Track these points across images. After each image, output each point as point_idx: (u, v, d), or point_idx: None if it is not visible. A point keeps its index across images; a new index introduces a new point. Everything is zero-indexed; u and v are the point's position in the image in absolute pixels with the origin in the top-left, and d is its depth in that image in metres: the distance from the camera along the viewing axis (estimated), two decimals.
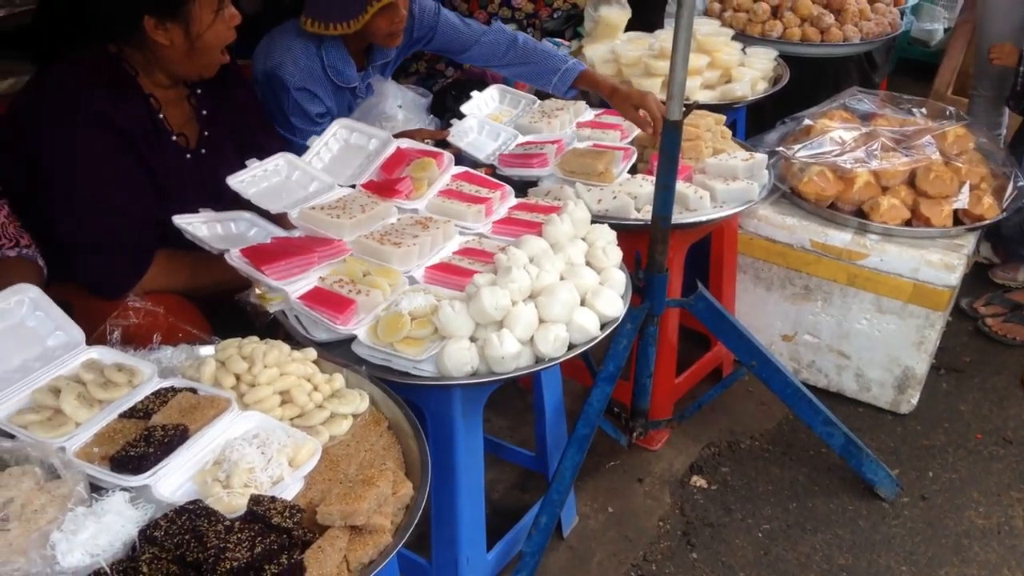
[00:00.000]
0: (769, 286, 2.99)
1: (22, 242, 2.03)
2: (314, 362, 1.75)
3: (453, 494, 1.95)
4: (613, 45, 3.34)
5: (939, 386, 3.13)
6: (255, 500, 1.39)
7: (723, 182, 2.48)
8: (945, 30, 5.78)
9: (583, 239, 2.06)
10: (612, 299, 1.91)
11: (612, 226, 2.11)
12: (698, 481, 2.69)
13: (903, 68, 5.80)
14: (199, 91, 2.26)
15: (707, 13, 3.94)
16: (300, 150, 2.32)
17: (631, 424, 2.46)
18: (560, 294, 1.82)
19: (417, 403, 1.79)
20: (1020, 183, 2.91)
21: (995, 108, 3.97)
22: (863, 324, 2.88)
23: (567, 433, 2.33)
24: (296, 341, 1.84)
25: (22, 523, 1.36)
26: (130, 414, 1.58)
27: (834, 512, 2.59)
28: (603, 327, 1.88)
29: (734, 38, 3.47)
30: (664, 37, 3.29)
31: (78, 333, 1.73)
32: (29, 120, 2.06)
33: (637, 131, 2.66)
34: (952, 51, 5.05)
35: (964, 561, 2.44)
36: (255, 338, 1.77)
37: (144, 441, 1.49)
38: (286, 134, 2.55)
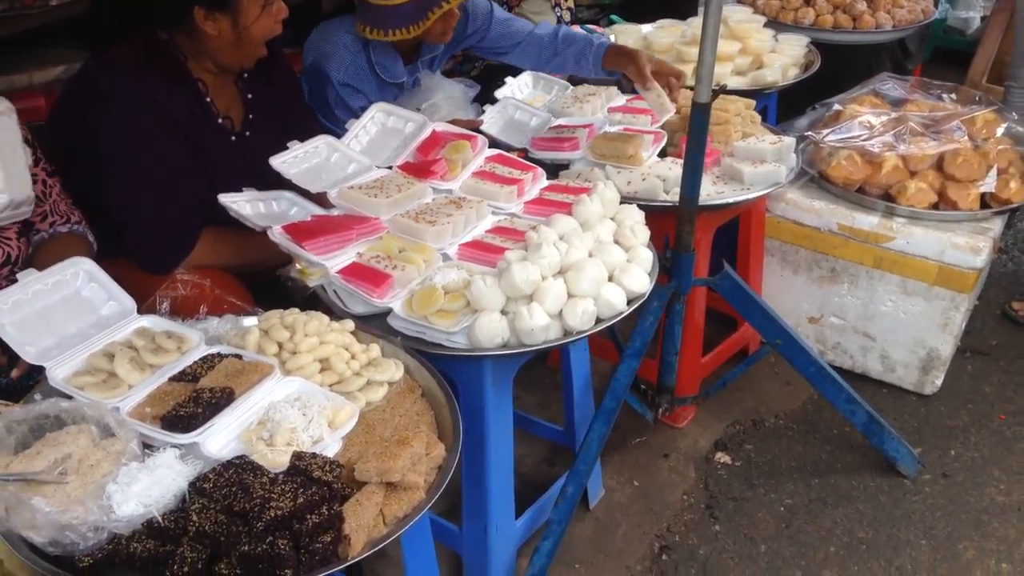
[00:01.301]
0: (796, 269, 3.04)
1: (73, 219, 2.14)
2: (352, 333, 1.84)
3: (483, 463, 2.03)
4: (646, 32, 3.39)
5: (964, 368, 3.17)
6: (297, 456, 1.48)
7: (751, 165, 2.53)
8: (982, 19, 5.75)
9: (612, 219, 2.13)
10: (639, 276, 1.98)
11: (641, 207, 2.17)
12: (722, 457, 2.76)
13: (939, 56, 5.79)
14: (245, 75, 2.35)
15: (740, 1, 3.98)
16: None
17: (657, 400, 2.53)
18: (588, 270, 1.89)
19: (449, 374, 1.86)
20: None
21: None
22: (889, 306, 2.92)
23: (594, 409, 2.40)
24: (335, 314, 1.92)
25: (79, 476, 1.45)
26: (179, 378, 1.68)
27: (855, 488, 2.64)
28: (630, 303, 1.95)
29: (766, 25, 3.51)
30: (696, 24, 3.33)
31: (130, 303, 1.83)
32: (85, 102, 2.16)
33: (668, 115, 2.71)
34: (988, 40, 5.04)
35: (983, 536, 2.49)
36: (296, 310, 1.86)
37: (193, 402, 1.58)
38: (328, 123, 2.62)
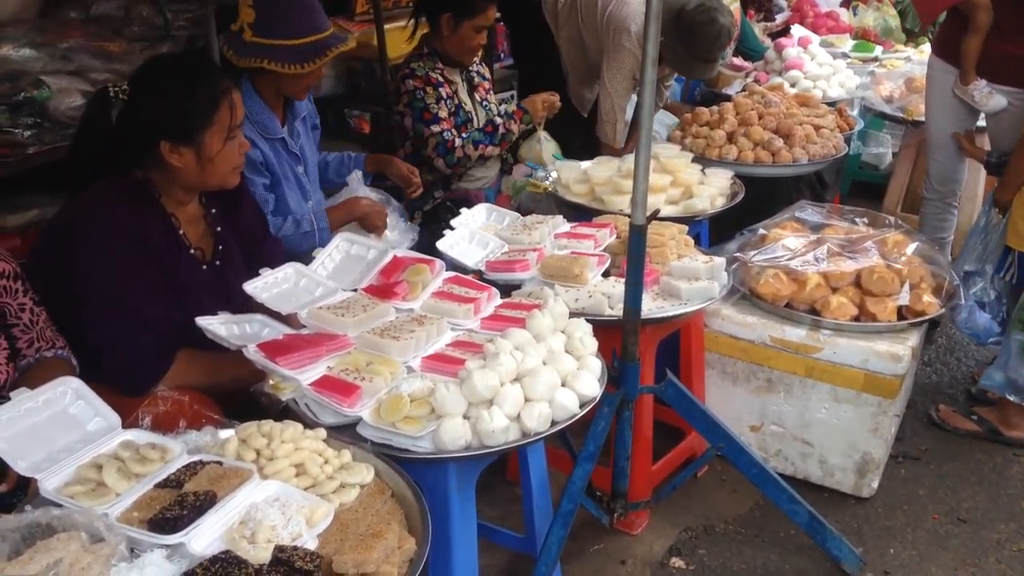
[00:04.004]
0: (735, 380, 3.24)
1: (58, 344, 2.26)
2: (324, 441, 1.96)
3: (449, 566, 2.12)
4: (585, 167, 3.69)
5: (898, 473, 3.35)
6: (279, 548, 1.59)
7: (687, 282, 2.76)
8: (893, 154, 6.23)
9: (562, 331, 2.31)
10: (589, 381, 2.15)
11: (588, 322, 2.36)
12: (677, 562, 2.87)
13: (857, 190, 6.21)
14: (214, 211, 2.54)
15: (669, 140, 4.32)
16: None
17: (612, 505, 2.66)
18: (543, 376, 2.06)
19: (415, 479, 1.98)
20: (956, 283, 3.22)
21: (942, 211, 4.34)
22: (823, 413, 3.12)
23: (553, 514, 2.51)
24: (307, 426, 2.04)
25: None
26: (164, 484, 1.77)
27: None
28: (582, 406, 2.11)
29: (694, 160, 3.82)
30: (630, 159, 3.62)
31: (114, 418, 1.94)
32: (67, 236, 2.31)
33: (609, 240, 2.96)
34: (898, 173, 5.48)
35: None
36: (271, 421, 1.99)
37: (178, 505, 1.68)
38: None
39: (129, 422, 1.98)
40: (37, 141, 3.34)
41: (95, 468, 1.80)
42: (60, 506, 1.70)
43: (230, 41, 2.93)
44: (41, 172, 3.41)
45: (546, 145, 3.94)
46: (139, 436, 1.93)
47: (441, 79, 3.63)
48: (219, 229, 2.55)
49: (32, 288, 2.25)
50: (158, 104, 2.29)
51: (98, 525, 1.63)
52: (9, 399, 1.86)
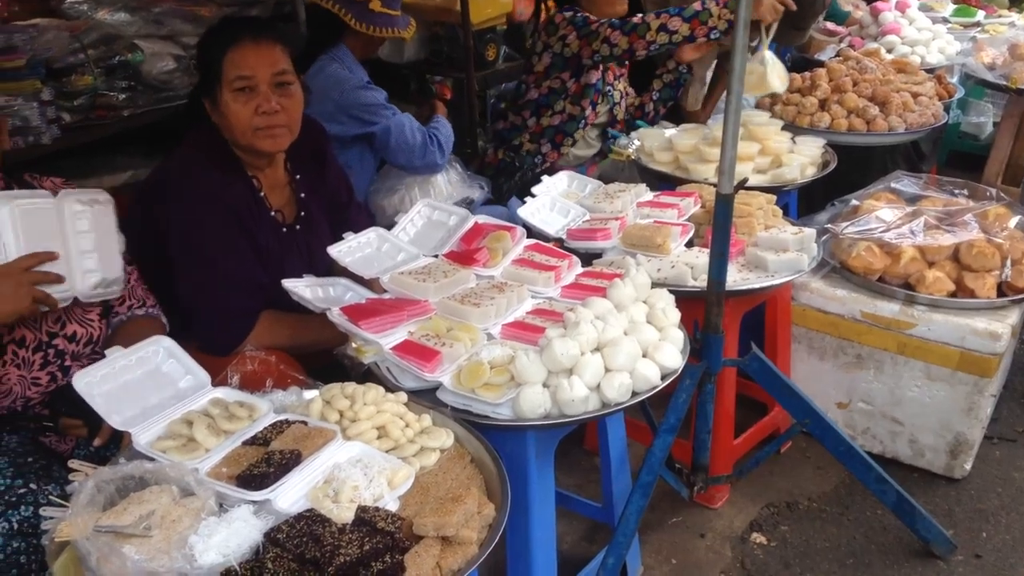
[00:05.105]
0: (823, 355, 3.15)
1: (148, 303, 2.33)
2: (404, 405, 1.98)
3: (527, 533, 2.12)
4: (669, 134, 3.61)
5: (992, 454, 3.23)
6: (362, 509, 1.61)
7: (775, 254, 2.69)
8: (994, 124, 5.96)
9: (644, 302, 2.28)
10: (672, 352, 2.12)
11: (670, 292, 2.32)
12: (758, 538, 2.82)
13: (956, 161, 5.97)
14: (298, 176, 2.58)
15: (758, 107, 4.20)
16: (390, 126, 3.24)
17: (692, 478, 2.62)
18: (624, 345, 2.03)
19: (494, 446, 1.97)
20: None
21: None
22: (915, 391, 3.02)
23: (631, 485, 2.49)
24: (388, 389, 2.06)
25: (163, 530, 1.59)
26: (251, 442, 1.82)
27: (890, 567, 2.69)
28: (663, 378, 2.08)
29: (784, 128, 3.71)
30: (716, 127, 3.54)
31: (204, 376, 2.00)
32: (158, 199, 2.39)
33: (693, 209, 2.90)
34: (1000, 143, 5.24)
35: None
36: (354, 383, 2.01)
37: (265, 463, 1.72)
38: (379, 119, 3.24)
39: (218, 380, 2.03)
40: (131, 104, 3.44)
41: (186, 424, 1.86)
42: (153, 460, 1.75)
43: (356, 11, 3.16)
44: (135, 134, 3.52)
45: (772, 67, 3.45)
46: (228, 394, 1.98)
47: None
48: (303, 195, 2.59)
49: (125, 247, 2.31)
50: (196, 65, 2.46)
51: (188, 479, 1.68)
52: (104, 357, 1.92)
